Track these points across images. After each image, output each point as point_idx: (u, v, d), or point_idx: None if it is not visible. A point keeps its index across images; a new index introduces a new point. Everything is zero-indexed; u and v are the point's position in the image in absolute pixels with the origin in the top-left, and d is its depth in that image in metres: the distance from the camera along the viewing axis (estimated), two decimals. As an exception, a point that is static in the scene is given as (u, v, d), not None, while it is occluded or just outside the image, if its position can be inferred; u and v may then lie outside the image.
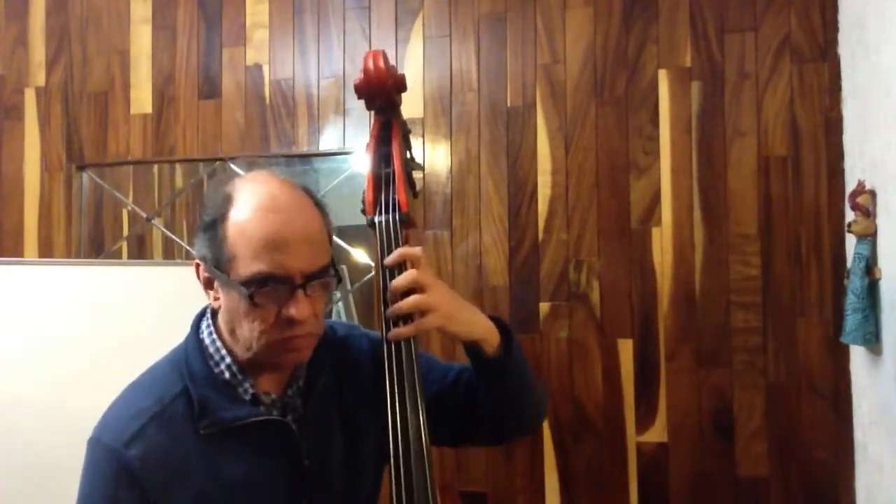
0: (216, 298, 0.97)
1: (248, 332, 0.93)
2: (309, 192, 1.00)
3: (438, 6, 2.28)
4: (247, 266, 0.90)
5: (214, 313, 1.01)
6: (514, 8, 2.23)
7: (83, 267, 2.02)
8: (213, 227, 0.93)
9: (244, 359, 0.97)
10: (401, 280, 0.98)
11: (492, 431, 1.13)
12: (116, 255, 2.49)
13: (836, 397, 1.99)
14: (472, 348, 1.04)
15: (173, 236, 2.46)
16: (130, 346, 1.73)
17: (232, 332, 0.96)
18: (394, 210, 1.06)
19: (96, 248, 2.49)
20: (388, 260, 1.01)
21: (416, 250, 1.02)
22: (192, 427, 0.93)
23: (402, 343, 0.99)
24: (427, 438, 0.97)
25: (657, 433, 2.08)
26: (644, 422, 2.09)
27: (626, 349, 2.11)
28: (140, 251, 2.53)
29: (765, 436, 2.02)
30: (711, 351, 2.06)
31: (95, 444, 0.94)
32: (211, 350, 0.99)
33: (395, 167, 1.09)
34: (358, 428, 1.05)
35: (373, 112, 1.14)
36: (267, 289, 0.90)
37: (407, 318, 0.99)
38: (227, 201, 0.94)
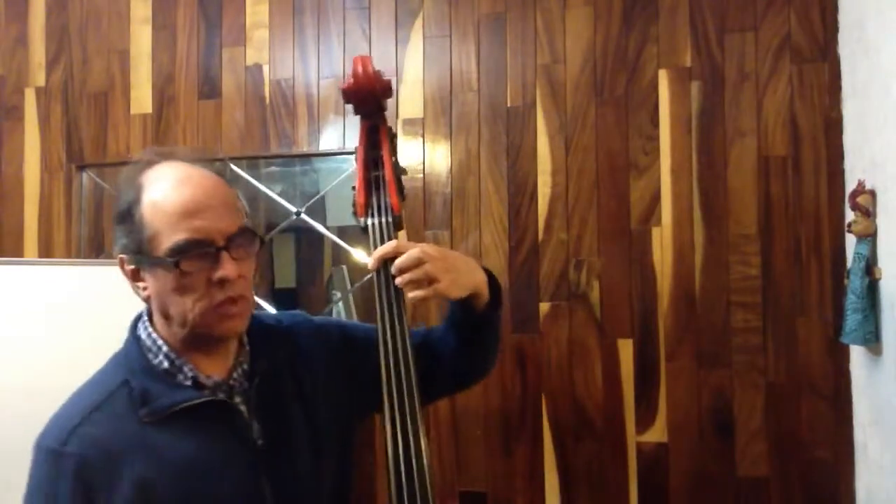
0: (145, 289, 0.98)
1: (181, 306, 0.94)
2: (217, 173, 1.02)
3: (438, 6, 2.28)
4: (168, 238, 0.92)
5: (149, 312, 1.02)
6: (514, 8, 2.23)
7: (83, 267, 2.02)
8: (129, 214, 0.95)
9: (181, 340, 0.98)
10: (405, 260, 1.03)
11: (454, 383, 1.22)
12: (116, 255, 2.49)
13: (836, 397, 1.99)
14: (465, 302, 1.09)
15: (173, 236, 2.46)
16: (130, 346, 1.73)
17: (165, 315, 0.97)
18: (386, 212, 1.09)
19: (96, 248, 2.49)
20: (381, 251, 1.06)
21: (391, 243, 1.07)
22: (133, 417, 0.94)
23: (398, 325, 1.04)
24: (427, 448, 1.00)
25: (657, 433, 2.08)
26: (644, 422, 2.09)
27: (626, 349, 2.11)
28: (140, 251, 2.52)
29: (765, 436, 2.02)
30: (711, 351, 2.06)
31: (37, 448, 0.96)
32: (148, 343, 1.00)
33: (386, 170, 1.12)
34: (316, 409, 1.06)
35: (360, 117, 1.17)
36: (191, 254, 0.92)
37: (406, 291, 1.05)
38: (137, 189, 0.96)
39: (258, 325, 1.07)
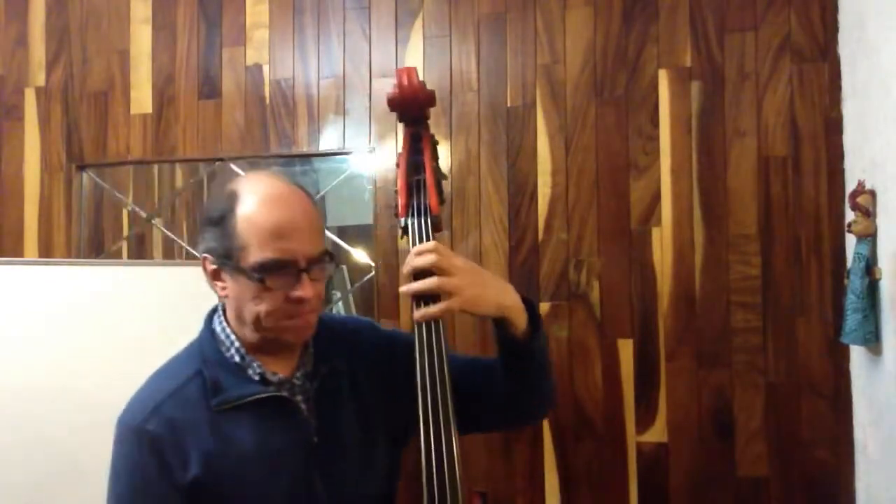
0: (223, 288, 1.05)
1: (255, 313, 1.02)
2: (302, 188, 1.08)
3: (438, 6, 2.28)
4: (257, 253, 0.99)
5: (224, 307, 1.10)
6: (514, 8, 2.23)
7: (83, 267, 2.01)
8: (222, 221, 1.02)
9: (252, 341, 1.06)
10: (421, 260, 1.05)
11: (504, 417, 1.22)
12: (116, 255, 2.49)
13: (836, 397, 1.99)
14: (500, 327, 1.10)
15: (173, 236, 2.46)
16: (131, 345, 1.73)
17: (239, 316, 1.05)
18: (425, 213, 1.14)
19: (96, 248, 2.49)
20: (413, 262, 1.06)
21: (430, 244, 1.07)
22: (205, 404, 1.02)
23: (434, 336, 1.05)
24: (458, 449, 1.03)
25: (657, 433, 2.08)
26: (644, 422, 2.09)
27: (626, 349, 2.11)
28: (140, 251, 2.52)
29: (765, 436, 2.02)
30: (711, 351, 2.06)
31: (119, 425, 1.04)
32: (222, 337, 1.08)
33: (427, 175, 1.17)
34: (371, 411, 1.12)
35: (403, 124, 1.22)
36: (276, 273, 0.99)
37: (435, 300, 1.05)
38: (232, 197, 1.02)
39: (324, 328, 1.12)
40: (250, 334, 1.05)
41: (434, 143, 1.22)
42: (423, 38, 2.29)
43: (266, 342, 1.05)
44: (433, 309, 1.04)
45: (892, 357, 1.66)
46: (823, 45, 2.04)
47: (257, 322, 1.02)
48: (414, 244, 1.11)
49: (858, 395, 1.93)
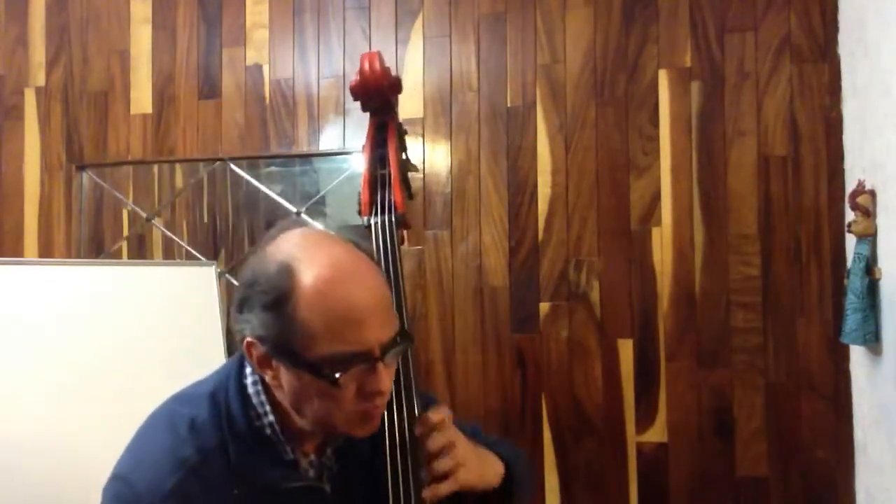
0: (274, 378, 0.89)
1: (322, 411, 0.88)
2: (360, 246, 0.93)
3: (438, 6, 2.28)
4: (325, 346, 0.83)
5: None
6: (514, 8, 2.23)
7: (83, 267, 2.01)
8: (277, 306, 0.84)
9: (299, 428, 0.92)
10: (437, 442, 0.95)
11: None
12: (116, 255, 2.49)
13: (836, 397, 1.99)
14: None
15: (173, 236, 2.46)
16: (130, 345, 1.73)
17: (298, 409, 0.90)
18: (389, 211, 1.06)
19: (96, 248, 2.49)
20: (431, 444, 0.96)
21: (442, 414, 0.97)
22: (228, 484, 0.88)
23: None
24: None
25: (657, 433, 2.08)
26: (644, 422, 2.09)
27: (626, 349, 2.11)
28: (140, 251, 2.52)
29: (765, 436, 2.02)
30: (711, 351, 2.06)
31: (125, 486, 0.88)
32: (255, 401, 0.93)
33: (391, 168, 1.09)
34: (383, 492, 1.01)
35: (368, 114, 1.15)
36: (349, 368, 0.84)
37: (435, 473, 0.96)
38: (287, 274, 0.85)
39: None
40: (305, 424, 0.90)
41: (401, 134, 1.14)
42: (423, 38, 2.29)
43: (317, 431, 0.92)
44: (445, 486, 0.93)
45: (892, 357, 1.66)
46: (823, 45, 2.04)
47: (321, 421, 0.88)
48: (377, 245, 1.03)
49: (858, 395, 1.93)
